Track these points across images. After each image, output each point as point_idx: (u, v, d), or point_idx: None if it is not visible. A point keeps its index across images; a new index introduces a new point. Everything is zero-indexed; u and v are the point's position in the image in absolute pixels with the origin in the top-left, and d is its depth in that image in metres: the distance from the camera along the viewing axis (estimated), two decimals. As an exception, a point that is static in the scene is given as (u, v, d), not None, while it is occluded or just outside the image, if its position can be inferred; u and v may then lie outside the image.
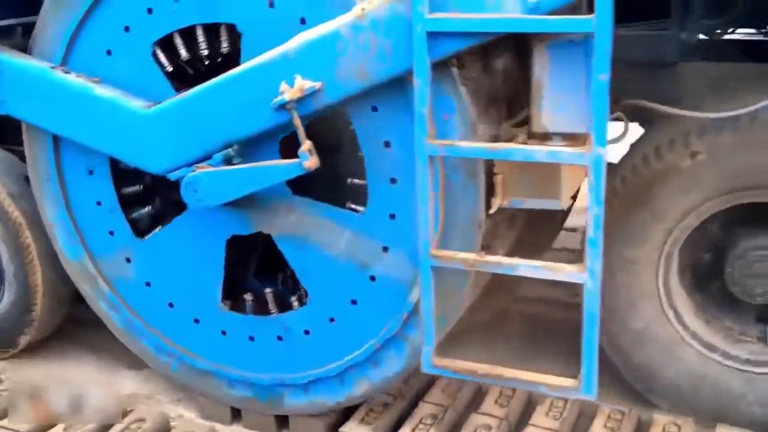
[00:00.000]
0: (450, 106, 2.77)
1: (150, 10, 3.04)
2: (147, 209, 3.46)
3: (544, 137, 2.75)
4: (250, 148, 3.00)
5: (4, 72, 3.21)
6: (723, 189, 3.12)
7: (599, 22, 2.43)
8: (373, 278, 3.04)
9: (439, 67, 2.70)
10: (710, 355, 3.35)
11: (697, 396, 3.34)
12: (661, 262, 3.30)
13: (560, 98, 2.66)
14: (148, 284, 3.41)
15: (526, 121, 2.81)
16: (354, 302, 3.09)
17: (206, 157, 3.00)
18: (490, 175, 2.81)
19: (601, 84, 2.49)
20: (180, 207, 3.21)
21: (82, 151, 3.27)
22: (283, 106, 2.76)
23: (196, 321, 3.38)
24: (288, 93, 2.75)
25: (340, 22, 2.73)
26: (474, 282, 3.00)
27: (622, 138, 3.07)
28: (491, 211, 2.79)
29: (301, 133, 2.79)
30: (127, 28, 3.09)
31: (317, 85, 2.78)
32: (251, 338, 3.32)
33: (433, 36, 2.61)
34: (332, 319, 3.15)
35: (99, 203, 3.37)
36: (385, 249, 2.99)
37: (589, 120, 2.57)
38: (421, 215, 2.78)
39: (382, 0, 2.67)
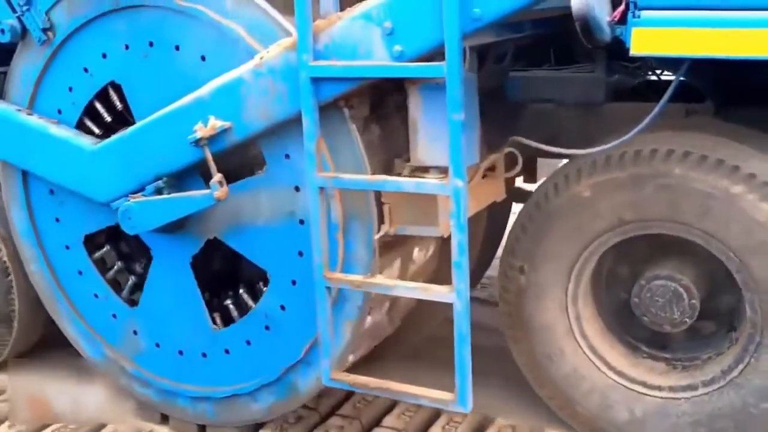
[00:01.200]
0: (341, 142, 3.17)
1: (104, 55, 3.55)
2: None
3: (425, 170, 3.12)
4: (180, 180, 3.46)
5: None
6: (612, 223, 3.41)
7: (449, 68, 2.81)
8: (283, 307, 3.44)
9: (330, 108, 3.11)
10: (617, 379, 3.61)
11: (609, 419, 3.59)
12: (569, 288, 3.59)
13: (432, 135, 3.03)
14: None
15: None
16: (267, 328, 3.50)
17: (141, 189, 3.47)
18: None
19: (455, 122, 2.86)
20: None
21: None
22: (197, 143, 3.21)
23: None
24: (200, 131, 3.20)
25: (243, 69, 3.18)
26: (378, 305, 3.36)
27: (516, 171, 3.43)
28: (375, 237, 3.16)
29: (212, 167, 3.23)
30: (86, 69, 3.59)
31: (227, 124, 3.23)
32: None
33: (316, 81, 3.03)
34: (248, 342, 3.56)
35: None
36: (294, 282, 3.38)
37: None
38: (314, 242, 3.18)
39: (277, 49, 3.11)
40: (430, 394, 3.15)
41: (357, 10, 2.96)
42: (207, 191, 3.25)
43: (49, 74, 3.64)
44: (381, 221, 3.20)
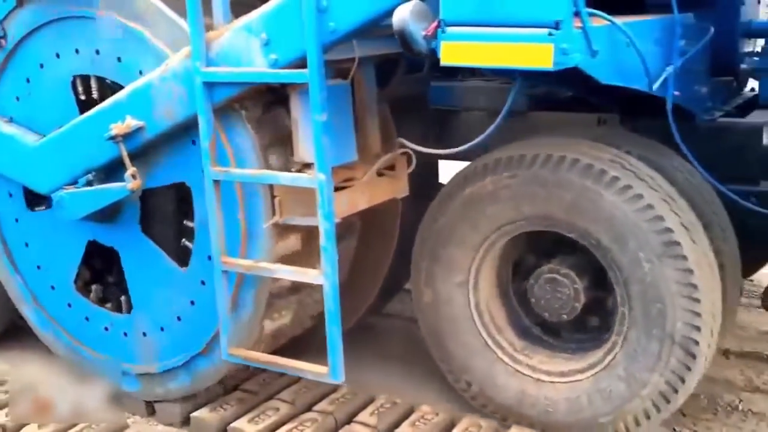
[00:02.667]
0: (240, 140, 3.68)
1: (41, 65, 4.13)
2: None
3: (308, 166, 3.61)
4: (109, 173, 4.01)
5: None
6: (508, 218, 3.84)
7: (311, 74, 3.29)
8: (192, 303, 3.96)
9: (226, 109, 3.63)
10: (516, 366, 4.01)
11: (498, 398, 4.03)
12: (470, 274, 4.01)
13: (308, 134, 3.50)
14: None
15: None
16: (179, 319, 4.03)
17: (74, 181, 4.05)
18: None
19: (318, 123, 3.34)
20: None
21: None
22: (112, 139, 3.76)
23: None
24: (115, 129, 3.74)
25: (153, 74, 3.72)
26: (277, 288, 3.83)
27: (410, 170, 3.91)
28: (265, 226, 3.65)
29: (127, 161, 3.78)
30: (27, 80, 4.19)
31: (141, 123, 3.77)
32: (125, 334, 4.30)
33: (208, 85, 3.55)
34: (162, 329, 4.09)
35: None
36: (203, 282, 3.89)
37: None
38: (212, 230, 3.70)
39: (179, 57, 3.64)
40: (310, 368, 3.62)
41: (240, 22, 3.45)
42: (123, 183, 3.79)
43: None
44: (274, 213, 3.67)
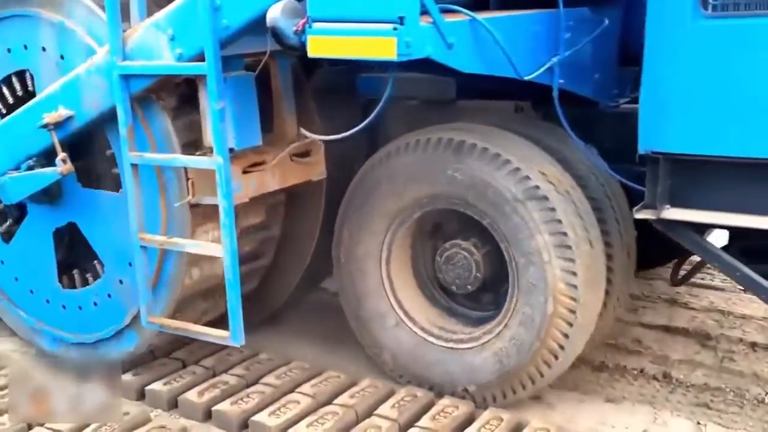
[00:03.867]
0: (158, 127, 4.11)
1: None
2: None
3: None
4: (50, 159, 4.46)
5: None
6: (414, 198, 4.25)
7: (208, 67, 3.72)
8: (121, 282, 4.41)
9: (146, 99, 4.06)
10: (425, 336, 4.41)
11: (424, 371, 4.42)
12: (383, 251, 4.41)
13: (213, 121, 3.93)
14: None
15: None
16: (109, 296, 4.48)
17: (18, 167, 4.52)
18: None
19: (215, 111, 3.76)
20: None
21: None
22: (44, 127, 4.22)
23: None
24: (47, 118, 4.20)
25: (81, 68, 4.17)
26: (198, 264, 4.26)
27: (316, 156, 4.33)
28: (176, 205, 4.08)
29: (58, 147, 4.22)
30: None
31: (71, 113, 4.22)
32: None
33: (125, 78, 3.99)
34: (96, 304, 4.54)
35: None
36: (130, 264, 4.30)
37: (232, 137, 3.87)
38: (131, 209, 4.14)
39: (102, 52, 4.08)
40: (213, 333, 4.06)
41: (151, 19, 3.89)
42: (54, 168, 4.25)
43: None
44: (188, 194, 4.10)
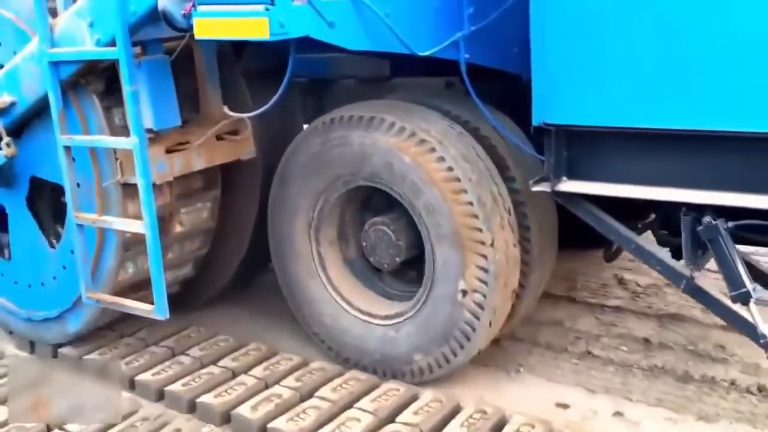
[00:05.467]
0: (88, 110, 4.36)
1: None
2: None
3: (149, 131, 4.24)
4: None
5: None
6: (333, 175, 4.41)
7: (119, 51, 3.94)
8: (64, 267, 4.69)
9: (74, 84, 4.30)
10: (344, 305, 4.60)
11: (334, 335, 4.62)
12: (312, 226, 4.59)
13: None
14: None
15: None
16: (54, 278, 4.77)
17: (-29, 151, 4.80)
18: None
19: (129, 93, 3.99)
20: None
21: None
22: (-10, 114, 4.49)
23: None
24: (-8, 104, 4.48)
25: (18, 56, 4.43)
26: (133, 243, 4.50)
27: (244, 135, 4.54)
28: (104, 185, 4.32)
29: (2, 132, 4.51)
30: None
31: (14, 99, 4.50)
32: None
33: (54, 64, 4.24)
34: (54, 277, 4.81)
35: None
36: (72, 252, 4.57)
37: (150, 118, 4.09)
38: (67, 189, 4.39)
39: (35, 40, 4.34)
40: (139, 306, 4.30)
41: (74, 7, 4.12)
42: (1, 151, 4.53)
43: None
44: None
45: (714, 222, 3.57)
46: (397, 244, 4.44)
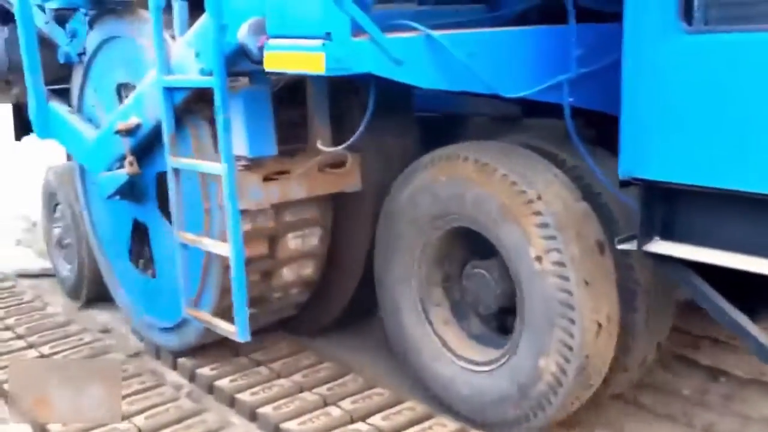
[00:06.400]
0: (200, 134, 4.53)
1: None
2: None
3: (238, 158, 4.35)
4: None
5: None
6: (435, 213, 4.31)
7: (215, 80, 4.05)
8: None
9: (191, 109, 4.48)
10: (446, 351, 4.45)
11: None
12: (414, 267, 4.50)
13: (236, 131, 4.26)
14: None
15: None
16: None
17: (110, 168, 5.12)
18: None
19: (221, 121, 4.09)
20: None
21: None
22: (117, 133, 4.78)
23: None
24: (120, 125, 4.76)
25: (146, 81, 4.68)
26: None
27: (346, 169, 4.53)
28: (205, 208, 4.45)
29: (127, 151, 4.78)
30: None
31: (140, 121, 4.75)
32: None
33: (168, 90, 4.44)
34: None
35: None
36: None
37: (245, 146, 4.20)
38: (173, 209, 4.58)
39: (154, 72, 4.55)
40: (223, 325, 4.37)
41: (185, 36, 4.29)
42: (124, 169, 4.80)
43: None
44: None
45: (805, 301, 3.11)
46: (494, 289, 4.24)
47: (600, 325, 3.81)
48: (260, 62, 3.66)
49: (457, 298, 4.56)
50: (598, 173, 3.91)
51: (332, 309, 5.24)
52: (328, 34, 3.30)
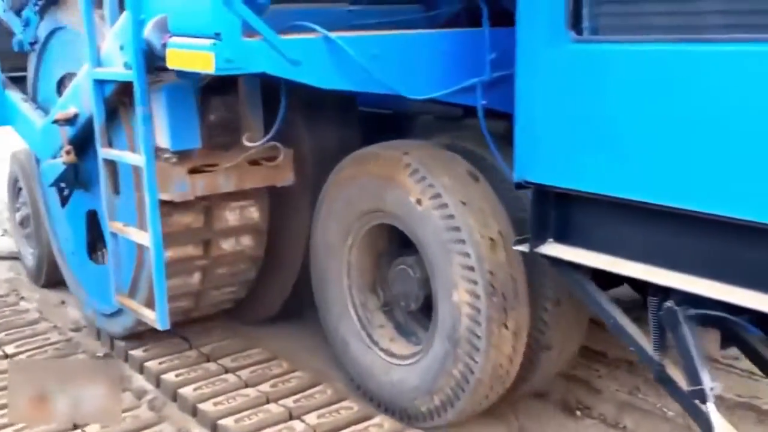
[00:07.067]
0: (132, 124, 4.61)
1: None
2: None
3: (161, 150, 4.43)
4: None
5: None
6: (358, 210, 4.41)
7: (135, 74, 4.15)
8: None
9: (120, 100, 4.58)
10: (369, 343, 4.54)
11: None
12: (344, 258, 4.58)
13: (159, 123, 4.35)
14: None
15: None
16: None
17: (55, 156, 5.23)
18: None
19: (141, 115, 4.18)
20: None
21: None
22: (56, 123, 4.88)
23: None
24: (58, 114, 4.87)
25: (82, 72, 4.77)
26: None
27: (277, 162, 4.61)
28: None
29: (64, 140, 4.88)
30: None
31: (76, 111, 4.85)
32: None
33: (98, 82, 4.54)
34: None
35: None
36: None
37: (167, 139, 4.29)
38: (103, 200, 4.68)
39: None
40: (147, 314, 4.48)
41: (113, 29, 4.37)
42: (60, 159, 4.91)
43: None
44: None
45: (674, 307, 3.16)
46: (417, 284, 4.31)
47: (493, 240, 3.86)
48: (164, 59, 3.73)
49: (386, 295, 4.63)
50: (505, 170, 3.94)
51: (275, 301, 5.32)
52: (218, 34, 3.36)
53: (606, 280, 3.71)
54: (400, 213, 4.09)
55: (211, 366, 4.90)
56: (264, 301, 5.31)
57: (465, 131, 4.76)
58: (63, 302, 6.34)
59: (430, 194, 3.92)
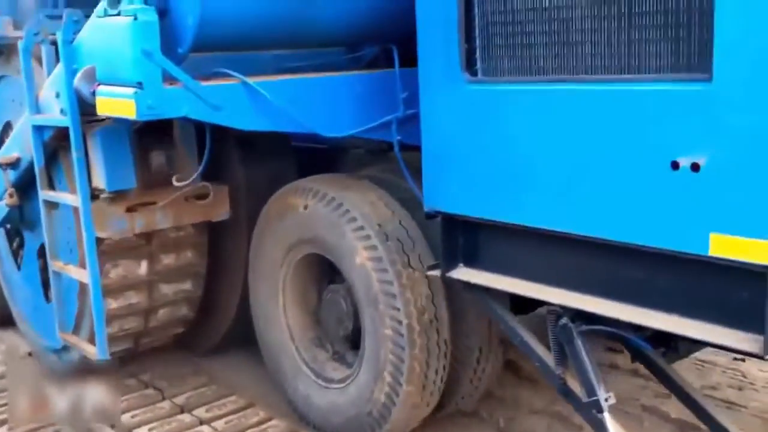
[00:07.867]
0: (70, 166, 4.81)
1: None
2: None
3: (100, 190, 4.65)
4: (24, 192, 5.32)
5: None
6: (290, 240, 4.65)
7: (70, 120, 4.36)
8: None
9: (59, 144, 4.78)
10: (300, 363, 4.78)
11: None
12: (279, 287, 4.82)
13: (95, 165, 4.56)
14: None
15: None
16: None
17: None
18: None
19: (76, 158, 4.40)
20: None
21: None
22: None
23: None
24: (1, 159, 5.07)
25: (23, 118, 4.98)
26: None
27: (207, 201, 4.82)
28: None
29: (7, 183, 5.08)
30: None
31: (19, 155, 5.05)
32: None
33: (37, 128, 4.74)
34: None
35: None
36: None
37: (103, 180, 4.50)
38: (46, 239, 4.87)
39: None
40: (88, 348, 4.66)
41: (50, 78, 4.59)
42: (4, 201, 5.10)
43: None
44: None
45: (568, 324, 3.41)
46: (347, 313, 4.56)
47: (412, 267, 4.13)
48: (94, 106, 3.95)
49: (319, 320, 4.86)
50: (421, 198, 4.17)
51: (219, 328, 5.53)
52: (140, 83, 3.59)
53: (527, 302, 3.94)
54: (326, 243, 4.32)
55: (186, 418, 4.96)
56: (213, 325, 5.51)
57: (392, 164, 5.01)
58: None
59: (353, 226, 4.16)
